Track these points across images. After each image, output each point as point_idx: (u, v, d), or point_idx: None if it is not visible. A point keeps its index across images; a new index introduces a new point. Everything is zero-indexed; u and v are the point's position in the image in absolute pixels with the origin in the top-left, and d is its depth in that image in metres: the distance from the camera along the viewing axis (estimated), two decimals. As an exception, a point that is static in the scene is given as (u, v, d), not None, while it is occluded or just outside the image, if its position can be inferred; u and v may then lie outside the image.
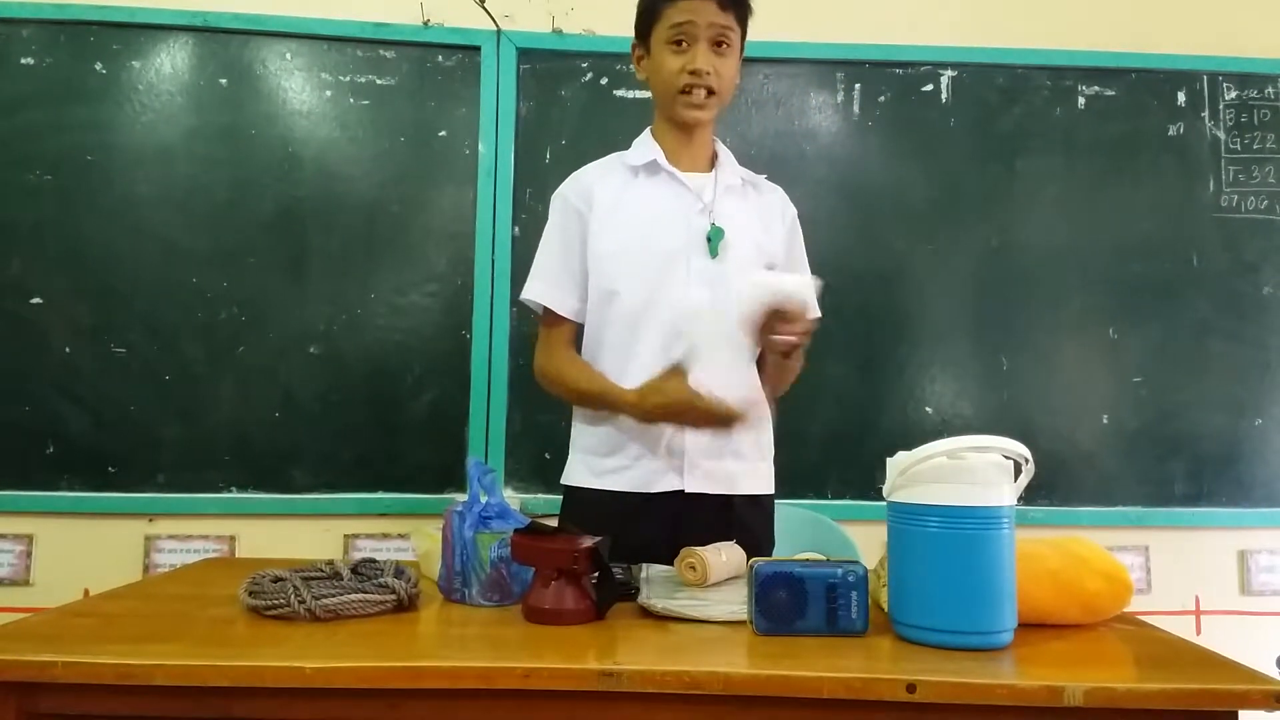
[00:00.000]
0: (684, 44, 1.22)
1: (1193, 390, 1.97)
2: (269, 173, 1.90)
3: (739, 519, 1.24)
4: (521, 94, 1.96)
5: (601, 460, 1.26)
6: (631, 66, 1.33)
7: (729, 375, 1.23)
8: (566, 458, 1.34)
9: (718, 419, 1.15)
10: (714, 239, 1.24)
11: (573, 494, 1.31)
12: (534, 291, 1.30)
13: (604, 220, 1.27)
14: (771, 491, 1.32)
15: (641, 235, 1.25)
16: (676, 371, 1.15)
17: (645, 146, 1.31)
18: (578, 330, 1.32)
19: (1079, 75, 2.01)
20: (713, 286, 1.24)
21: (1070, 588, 0.93)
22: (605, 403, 1.25)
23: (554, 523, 1.17)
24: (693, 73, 1.21)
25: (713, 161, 1.32)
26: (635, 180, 1.29)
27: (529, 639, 0.87)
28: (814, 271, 1.39)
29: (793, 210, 1.36)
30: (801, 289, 1.12)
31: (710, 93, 1.23)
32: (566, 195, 1.31)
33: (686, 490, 1.23)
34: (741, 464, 1.26)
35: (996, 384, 1.96)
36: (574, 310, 1.30)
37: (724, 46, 1.23)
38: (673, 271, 1.24)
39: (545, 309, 1.30)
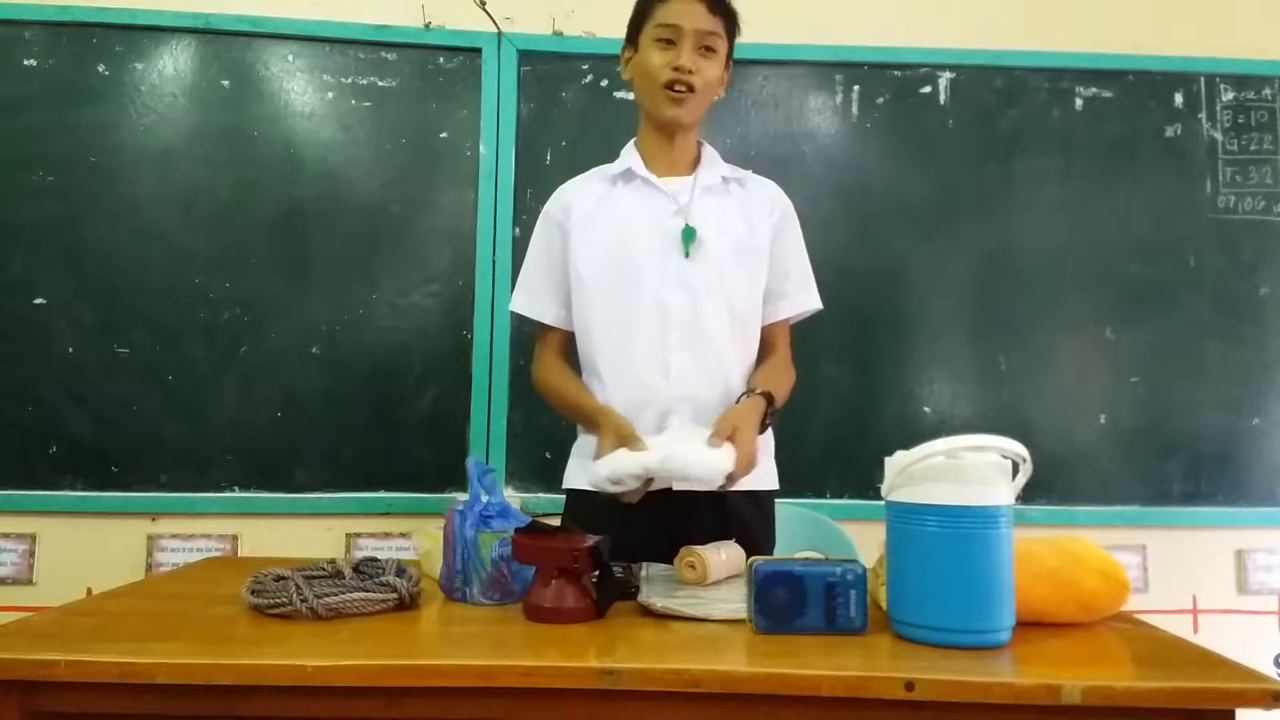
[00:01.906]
0: (671, 43, 1.24)
1: (1190, 390, 1.97)
2: (271, 174, 1.91)
3: (735, 516, 1.24)
4: (522, 96, 1.96)
5: (594, 462, 1.27)
6: (619, 69, 1.35)
7: (705, 375, 1.26)
8: (567, 458, 1.35)
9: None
10: (686, 239, 1.26)
11: (571, 496, 1.32)
12: (518, 303, 1.36)
13: (582, 231, 1.30)
14: (772, 487, 1.32)
15: (615, 242, 1.28)
16: (620, 435, 1.15)
17: (625, 156, 1.34)
18: (568, 338, 1.35)
19: (1076, 77, 2.01)
20: (689, 286, 1.26)
21: (1068, 586, 0.93)
22: (578, 410, 1.29)
23: (555, 523, 1.17)
24: (676, 68, 1.23)
25: (696, 164, 1.33)
26: (613, 189, 1.32)
27: (529, 637, 0.87)
28: (815, 271, 1.40)
29: (785, 203, 1.36)
30: (704, 471, 1.09)
31: (691, 90, 1.25)
32: (548, 208, 1.35)
33: (675, 489, 1.23)
34: None
35: (994, 384, 1.96)
36: (557, 318, 1.34)
37: (709, 51, 1.25)
38: (649, 273, 1.26)
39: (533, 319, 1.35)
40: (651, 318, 1.25)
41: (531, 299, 1.35)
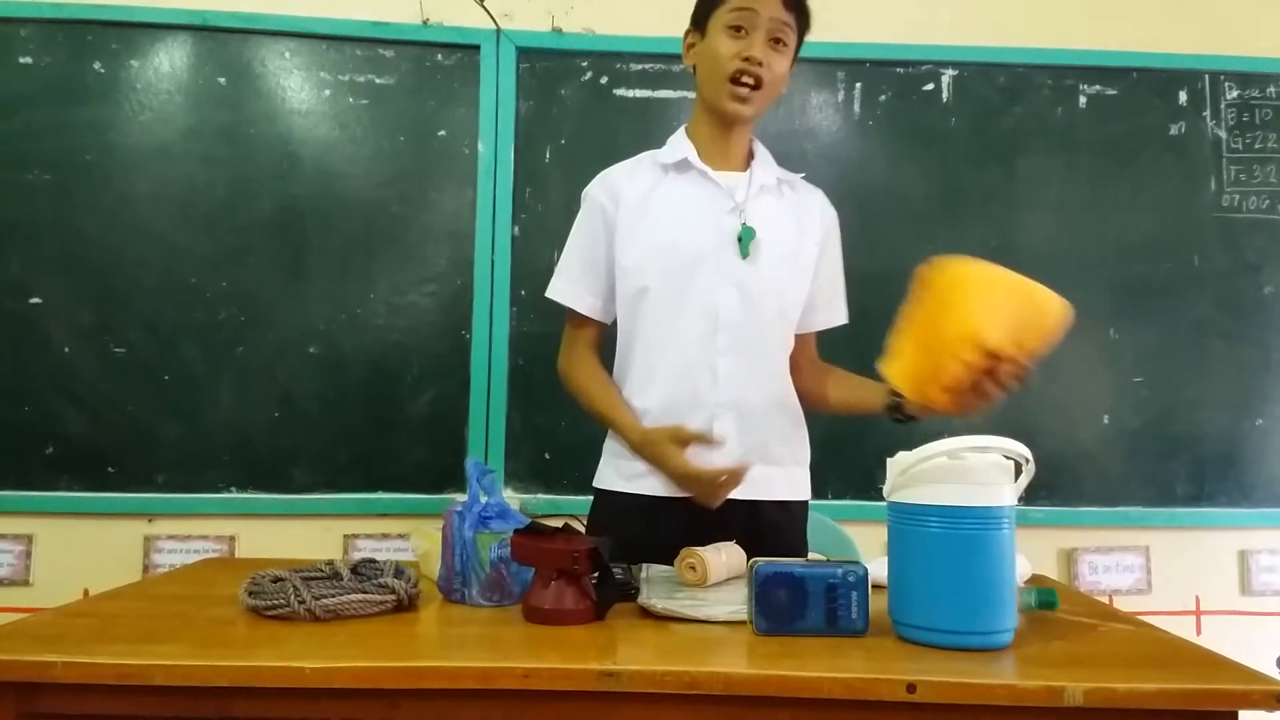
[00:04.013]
0: (743, 31, 1.19)
1: (1194, 390, 1.96)
2: (268, 172, 1.90)
3: (768, 524, 1.22)
4: (521, 93, 1.95)
5: (631, 464, 1.25)
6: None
7: (754, 380, 1.24)
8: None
9: (703, 493, 1.15)
10: (745, 239, 1.22)
11: (601, 496, 1.30)
12: (555, 290, 1.30)
13: (631, 219, 1.25)
14: (805, 498, 1.30)
15: (669, 235, 1.23)
16: (678, 438, 1.15)
17: (678, 144, 1.28)
18: (602, 331, 1.31)
19: (1080, 74, 2.01)
20: (742, 287, 1.23)
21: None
22: (611, 426, 1.26)
23: (555, 524, 1.16)
24: (747, 59, 1.18)
25: (749, 160, 1.29)
26: (665, 178, 1.27)
27: (529, 639, 0.87)
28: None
29: (832, 212, 1.34)
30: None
31: (758, 86, 1.20)
32: (594, 193, 1.29)
33: None
34: (772, 469, 1.25)
35: (996, 383, 1.96)
36: (595, 309, 1.28)
37: (780, 44, 1.21)
38: (702, 271, 1.22)
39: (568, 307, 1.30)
40: (702, 318, 1.22)
41: (569, 287, 1.28)
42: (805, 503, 1.31)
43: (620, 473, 1.27)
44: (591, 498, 1.32)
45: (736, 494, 1.20)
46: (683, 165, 1.26)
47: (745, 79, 1.19)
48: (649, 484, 1.23)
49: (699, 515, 1.20)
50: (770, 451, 1.24)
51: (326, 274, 1.90)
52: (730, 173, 1.27)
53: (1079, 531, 1.94)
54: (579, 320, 1.30)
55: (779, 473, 1.26)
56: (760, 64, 1.18)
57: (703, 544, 1.09)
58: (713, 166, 1.26)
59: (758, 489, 1.22)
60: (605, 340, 1.31)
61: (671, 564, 1.11)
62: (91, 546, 1.82)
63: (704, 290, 1.22)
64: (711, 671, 0.76)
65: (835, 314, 1.35)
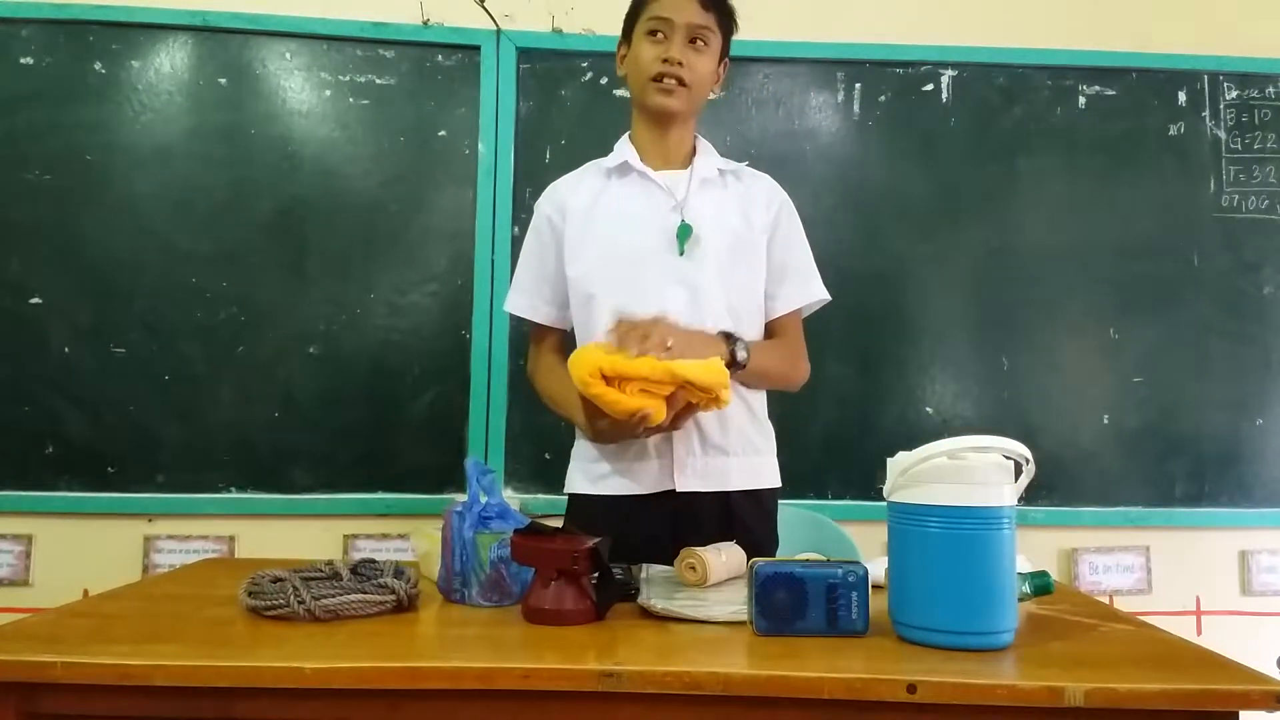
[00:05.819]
0: (660, 35, 1.24)
1: (1193, 390, 1.96)
2: (268, 172, 1.90)
3: (737, 516, 1.23)
4: (521, 94, 1.95)
5: (596, 466, 1.27)
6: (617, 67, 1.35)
7: None
8: (566, 459, 1.34)
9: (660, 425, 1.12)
10: (682, 237, 1.25)
11: (574, 501, 1.31)
12: (511, 303, 1.36)
13: (578, 227, 1.29)
14: (774, 486, 1.31)
15: (614, 238, 1.27)
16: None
17: (620, 149, 1.32)
18: (564, 336, 1.34)
19: (1080, 75, 2.01)
20: (687, 284, 1.24)
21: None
22: (570, 419, 1.27)
23: (555, 524, 1.16)
24: (665, 60, 1.23)
25: (691, 157, 1.32)
26: (609, 184, 1.31)
27: (529, 639, 0.87)
28: (818, 270, 1.39)
29: (782, 196, 1.34)
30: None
31: (682, 84, 1.24)
32: (541, 205, 1.35)
33: (678, 489, 1.23)
34: (729, 459, 1.25)
35: (997, 384, 1.96)
36: (552, 318, 1.34)
37: (699, 43, 1.25)
38: (647, 272, 1.25)
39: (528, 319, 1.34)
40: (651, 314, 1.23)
41: (526, 299, 1.34)
42: (774, 493, 1.31)
43: (587, 475, 1.28)
44: None
45: (702, 487, 1.22)
46: (624, 169, 1.30)
47: (666, 80, 1.24)
48: (614, 484, 1.25)
49: (669, 512, 1.21)
50: (722, 442, 1.25)
51: (327, 274, 1.90)
52: (671, 171, 1.29)
53: (1079, 532, 1.94)
54: (539, 330, 1.35)
55: (738, 462, 1.26)
56: (680, 64, 1.23)
57: (675, 542, 1.10)
58: (655, 167, 1.29)
59: (721, 480, 1.24)
60: (570, 344, 1.32)
61: (647, 562, 1.12)
62: (91, 547, 1.82)
63: (651, 291, 1.24)
64: (711, 672, 0.76)
65: (805, 292, 1.33)
